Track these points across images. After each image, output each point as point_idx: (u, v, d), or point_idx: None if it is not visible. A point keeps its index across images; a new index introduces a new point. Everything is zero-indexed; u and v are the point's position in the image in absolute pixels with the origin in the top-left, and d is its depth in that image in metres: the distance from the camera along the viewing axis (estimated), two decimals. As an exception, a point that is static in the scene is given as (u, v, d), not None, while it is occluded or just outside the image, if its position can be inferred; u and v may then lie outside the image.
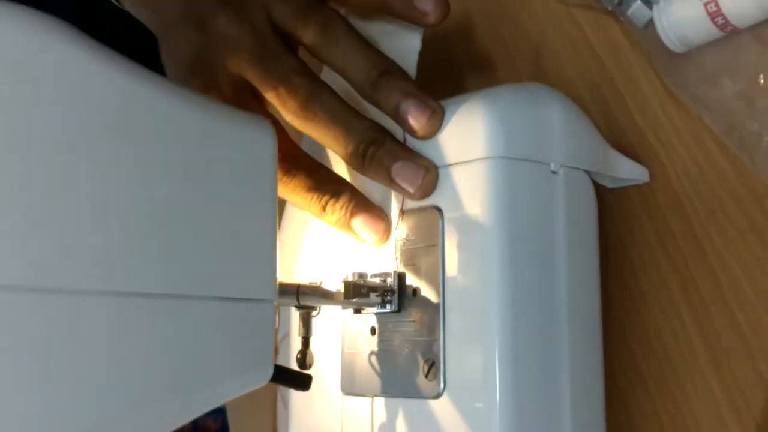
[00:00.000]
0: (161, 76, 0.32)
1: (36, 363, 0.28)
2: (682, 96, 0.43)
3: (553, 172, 0.41)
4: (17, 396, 0.28)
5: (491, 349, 0.38)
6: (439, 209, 0.41)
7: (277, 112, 0.43)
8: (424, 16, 0.42)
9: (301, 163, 0.44)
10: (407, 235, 0.43)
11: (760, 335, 0.41)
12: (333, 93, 0.43)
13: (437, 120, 0.41)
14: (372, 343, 0.44)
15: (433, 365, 0.40)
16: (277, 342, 0.44)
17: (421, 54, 0.45)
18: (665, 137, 0.45)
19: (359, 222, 0.43)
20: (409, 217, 0.43)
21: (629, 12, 0.45)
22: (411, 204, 0.42)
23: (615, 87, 0.47)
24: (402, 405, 0.42)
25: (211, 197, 0.33)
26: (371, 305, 0.42)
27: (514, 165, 0.39)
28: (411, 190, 0.41)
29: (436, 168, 0.41)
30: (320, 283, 0.42)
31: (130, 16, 0.48)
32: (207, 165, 0.33)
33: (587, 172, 0.42)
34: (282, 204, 0.44)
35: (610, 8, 0.47)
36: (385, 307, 0.43)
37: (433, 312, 0.41)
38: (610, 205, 0.46)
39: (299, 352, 0.42)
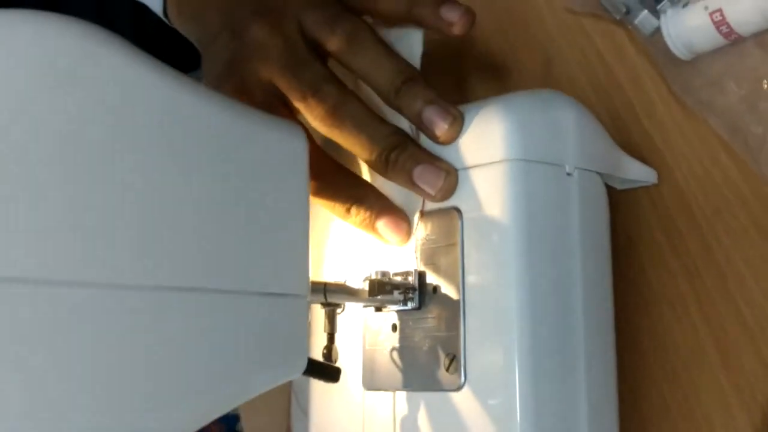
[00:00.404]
0: (203, 85, 0.34)
1: (81, 355, 0.30)
2: (688, 101, 0.45)
3: (568, 174, 0.42)
4: (62, 386, 0.29)
5: (511, 344, 0.40)
6: (458, 210, 0.43)
7: (304, 117, 0.45)
8: (450, 26, 0.44)
9: (327, 167, 0.46)
10: (427, 235, 0.44)
11: (765, 329, 0.43)
12: (359, 100, 0.44)
13: (458, 126, 0.43)
14: (393, 339, 0.46)
15: (454, 359, 0.42)
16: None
17: (426, 56, 0.46)
18: (672, 140, 0.47)
19: (383, 224, 0.45)
20: (429, 218, 0.44)
21: (637, 21, 0.48)
22: (431, 205, 0.44)
23: (623, 93, 0.49)
24: (423, 398, 0.43)
25: (248, 198, 0.35)
26: (394, 302, 0.44)
27: (531, 167, 0.41)
28: (432, 193, 0.43)
29: (456, 171, 0.43)
30: (345, 282, 0.44)
31: (174, 32, 0.50)
32: (244, 167, 0.35)
33: (599, 173, 0.44)
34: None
35: (618, 17, 0.49)
36: (406, 304, 0.44)
37: (453, 308, 0.43)
38: (620, 206, 0.48)
39: (325, 348, 0.43)
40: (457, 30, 0.44)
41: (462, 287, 0.42)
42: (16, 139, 0.28)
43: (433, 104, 0.42)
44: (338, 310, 0.44)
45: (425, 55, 0.47)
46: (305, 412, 0.65)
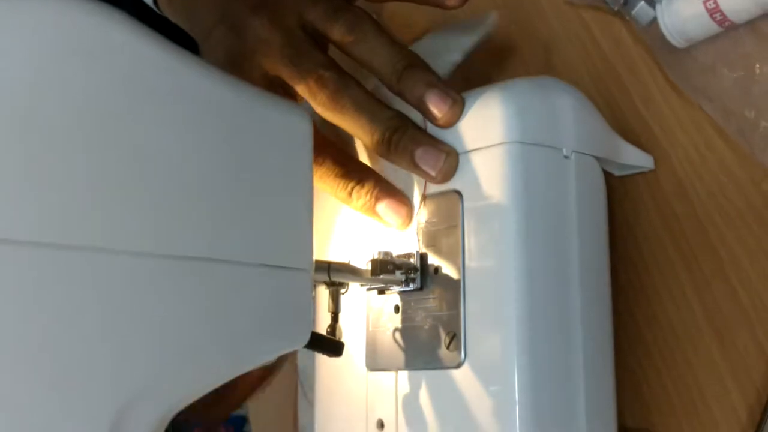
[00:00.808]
0: (211, 64, 0.35)
1: (92, 317, 0.31)
2: (684, 87, 0.47)
3: (566, 157, 0.44)
4: (70, 350, 0.31)
5: (509, 322, 0.41)
6: (459, 193, 0.44)
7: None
8: (445, 0, 0.46)
9: (328, 153, 0.47)
10: (429, 218, 0.46)
11: (758, 308, 0.44)
12: (359, 85, 0.46)
13: (458, 109, 0.44)
14: (396, 320, 0.47)
15: (454, 337, 0.43)
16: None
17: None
18: (668, 126, 0.48)
19: (383, 206, 0.46)
20: (430, 201, 0.46)
21: (633, 11, 0.49)
22: (432, 188, 0.45)
23: (620, 81, 0.51)
24: (425, 376, 0.45)
25: (254, 173, 0.36)
26: (396, 283, 0.45)
27: (529, 150, 0.42)
28: (433, 174, 0.44)
29: (456, 153, 0.44)
30: (349, 262, 0.45)
31: (171, 24, 0.51)
32: (250, 143, 0.36)
33: (597, 158, 0.45)
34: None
35: (615, 8, 0.50)
36: (408, 285, 0.45)
37: (454, 288, 0.44)
38: (618, 191, 0.49)
39: (329, 326, 0.44)
40: (451, 3, 0.46)
41: (462, 267, 0.43)
42: (33, 108, 0.30)
43: (434, 87, 0.44)
44: (342, 291, 0.45)
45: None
46: (311, 402, 0.66)
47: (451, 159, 0.44)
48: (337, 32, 0.46)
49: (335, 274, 0.43)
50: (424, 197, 0.46)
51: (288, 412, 0.73)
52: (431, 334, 0.45)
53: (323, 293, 0.46)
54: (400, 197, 0.46)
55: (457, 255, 0.44)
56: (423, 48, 0.47)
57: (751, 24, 0.44)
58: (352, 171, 0.47)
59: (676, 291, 0.47)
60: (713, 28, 0.45)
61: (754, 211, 0.44)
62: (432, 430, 0.43)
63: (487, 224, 0.43)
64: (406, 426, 0.45)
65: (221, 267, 0.34)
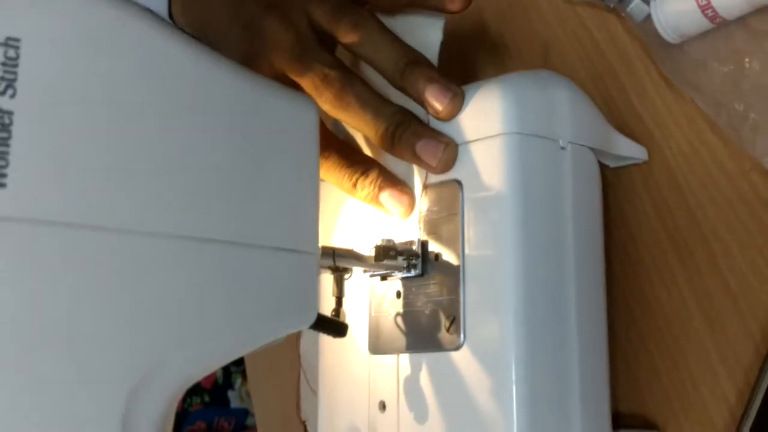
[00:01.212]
0: (224, 57, 0.37)
1: (104, 295, 0.33)
2: (677, 81, 0.48)
3: (562, 148, 0.45)
4: (99, 323, 0.32)
5: (507, 306, 0.42)
6: (459, 182, 0.46)
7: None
8: (450, 3, 0.47)
9: (333, 145, 0.49)
10: (430, 206, 0.47)
11: (748, 296, 0.45)
12: (364, 83, 0.47)
13: (458, 102, 0.45)
14: (397, 305, 0.48)
15: (454, 320, 0.45)
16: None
17: (443, 45, 0.49)
18: (661, 120, 0.50)
19: (386, 196, 0.48)
20: (431, 190, 0.47)
21: (629, 8, 0.50)
22: (433, 178, 0.47)
23: (616, 76, 0.52)
24: (425, 358, 0.46)
25: (263, 160, 0.38)
26: (398, 269, 0.47)
27: (526, 140, 0.44)
28: (433, 164, 0.46)
29: (455, 143, 0.45)
30: (353, 249, 0.47)
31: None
32: (260, 130, 0.38)
33: (592, 149, 0.47)
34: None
35: (611, 5, 0.52)
36: (410, 271, 0.47)
37: (454, 273, 0.45)
38: (613, 182, 0.51)
39: (333, 310, 0.46)
40: (456, 6, 0.48)
41: (462, 254, 0.45)
42: (58, 96, 0.31)
43: (435, 82, 0.45)
44: (346, 276, 0.47)
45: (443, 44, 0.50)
46: (314, 391, 0.68)
47: (450, 150, 0.45)
48: (341, 32, 0.48)
49: (340, 260, 0.45)
50: (426, 187, 0.47)
51: (291, 400, 0.74)
52: (432, 318, 0.46)
53: (328, 279, 0.48)
54: (402, 187, 0.48)
55: (456, 242, 0.45)
56: (399, 29, 0.49)
57: (742, 20, 0.45)
58: (356, 163, 0.49)
59: (668, 278, 0.48)
60: (705, 24, 0.46)
61: (744, 200, 0.46)
62: (432, 410, 0.45)
63: (485, 212, 0.44)
64: (407, 406, 0.46)
65: (232, 249, 0.36)
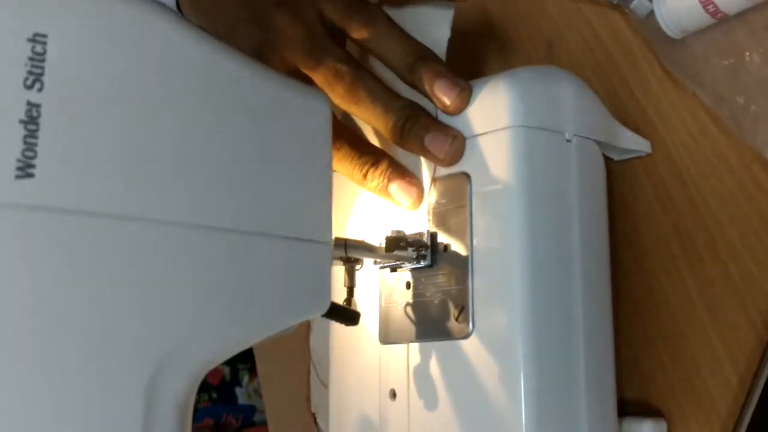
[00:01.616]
0: (239, 52, 0.38)
1: (131, 283, 0.34)
2: (679, 75, 0.49)
3: (567, 141, 0.46)
4: (120, 310, 0.34)
5: (515, 295, 0.43)
6: (467, 175, 0.47)
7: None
8: None
9: (344, 137, 0.50)
10: (438, 198, 0.48)
11: (749, 284, 0.46)
12: (374, 77, 0.49)
13: (466, 96, 0.47)
14: (407, 296, 0.49)
15: (462, 309, 0.46)
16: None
17: (450, 42, 0.51)
18: (664, 113, 0.51)
19: (395, 187, 0.49)
20: (440, 183, 0.48)
21: (632, 5, 0.51)
22: (442, 171, 0.48)
23: (619, 71, 0.53)
24: (435, 348, 0.47)
25: (277, 152, 0.39)
26: (407, 259, 0.48)
27: (532, 133, 0.45)
28: (441, 157, 0.47)
29: (463, 137, 0.47)
30: (364, 240, 0.48)
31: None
32: (275, 124, 0.39)
33: (597, 142, 0.48)
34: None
35: (615, 2, 0.53)
36: (419, 262, 0.48)
37: (463, 264, 0.46)
38: (617, 175, 0.52)
39: (345, 300, 0.47)
40: None
41: (470, 245, 0.46)
42: (79, 90, 0.33)
43: (443, 76, 0.47)
44: (357, 267, 0.48)
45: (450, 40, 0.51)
46: (324, 383, 0.69)
47: (457, 143, 0.46)
48: (352, 29, 0.49)
49: (351, 251, 0.46)
50: (434, 179, 0.49)
51: (301, 393, 0.76)
52: (441, 308, 0.47)
53: (340, 270, 0.49)
54: (412, 178, 0.49)
55: (465, 233, 0.46)
56: (407, 25, 0.50)
57: (742, 15, 0.46)
58: (366, 154, 0.50)
59: (671, 268, 0.49)
60: (707, 19, 0.47)
61: (745, 191, 0.47)
62: (441, 398, 0.46)
63: (493, 204, 0.45)
64: (417, 394, 0.48)
65: (248, 238, 0.37)
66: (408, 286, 0.49)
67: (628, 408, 0.50)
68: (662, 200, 0.50)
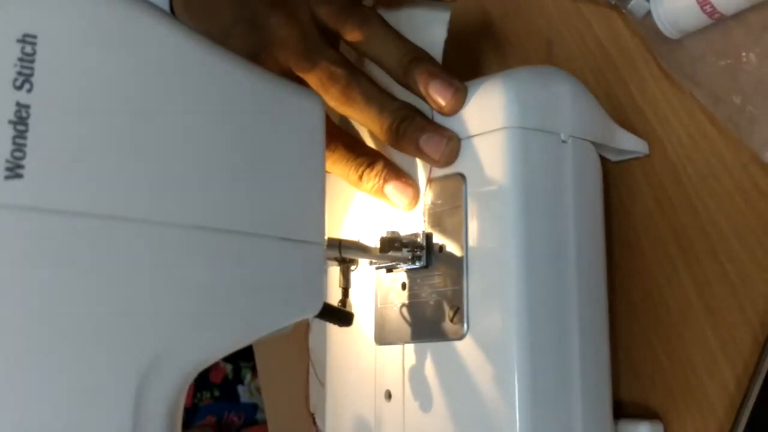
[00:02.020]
0: (232, 53, 0.38)
1: (123, 283, 0.34)
2: (677, 75, 0.49)
3: (563, 142, 0.46)
4: (112, 309, 0.34)
5: (509, 297, 0.43)
6: (462, 175, 0.47)
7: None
8: None
9: (339, 139, 0.50)
10: (434, 199, 0.48)
11: (747, 284, 0.46)
12: (369, 79, 0.48)
13: (461, 96, 0.46)
14: (402, 297, 0.49)
15: (457, 311, 0.46)
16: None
17: (446, 42, 0.50)
18: (662, 113, 0.51)
19: (391, 188, 0.49)
20: (436, 183, 0.48)
21: (630, 5, 0.51)
22: (438, 172, 0.48)
23: (617, 71, 0.53)
24: (430, 348, 0.47)
25: (271, 153, 0.39)
26: (403, 260, 0.48)
27: (528, 134, 0.45)
28: (436, 158, 0.47)
29: (458, 138, 0.46)
30: (359, 241, 0.48)
31: None
32: (269, 125, 0.39)
33: (593, 143, 0.48)
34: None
35: (613, 2, 0.53)
36: (414, 263, 0.48)
37: (458, 265, 0.46)
38: (614, 176, 0.52)
39: (340, 301, 0.47)
40: None
41: (465, 246, 0.46)
42: (73, 91, 0.33)
43: (437, 77, 0.46)
44: (352, 267, 0.48)
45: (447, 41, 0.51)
46: (322, 383, 0.69)
47: (452, 143, 0.46)
48: (347, 30, 0.49)
49: (346, 251, 0.46)
50: (430, 180, 0.48)
51: (300, 393, 0.76)
52: (436, 309, 0.47)
53: (335, 272, 0.49)
54: (407, 179, 0.49)
55: (460, 234, 0.46)
56: (404, 26, 0.50)
57: (739, 15, 0.46)
58: (362, 155, 0.50)
59: (668, 268, 0.49)
60: (704, 19, 0.47)
61: (742, 191, 0.47)
62: (436, 398, 0.46)
63: (488, 205, 0.45)
64: (412, 395, 0.47)
65: (241, 239, 0.37)
66: (403, 286, 0.49)
67: (624, 410, 0.50)
68: (659, 201, 0.50)
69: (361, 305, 0.51)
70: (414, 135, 0.47)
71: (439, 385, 0.46)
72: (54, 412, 0.33)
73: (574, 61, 0.56)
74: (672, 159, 0.50)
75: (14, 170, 0.31)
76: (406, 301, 0.49)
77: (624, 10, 0.52)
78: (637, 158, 0.52)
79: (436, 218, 0.48)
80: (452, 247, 0.47)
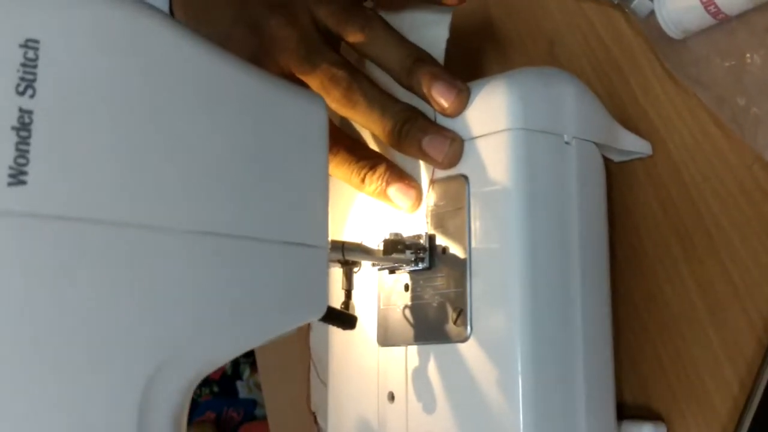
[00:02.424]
0: (234, 55, 0.38)
1: (128, 289, 0.34)
2: (680, 76, 0.49)
3: (566, 143, 0.46)
4: (117, 315, 0.33)
5: (513, 299, 0.43)
6: (465, 177, 0.46)
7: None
8: None
9: (342, 142, 0.50)
10: (437, 201, 0.48)
11: (749, 285, 0.46)
12: (370, 81, 0.48)
13: (464, 98, 0.46)
14: (405, 298, 0.49)
15: (461, 313, 0.46)
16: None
17: (449, 42, 0.50)
18: (665, 114, 0.50)
19: (394, 190, 0.49)
20: (438, 185, 0.48)
21: (633, 4, 0.51)
22: (440, 174, 0.48)
23: (620, 71, 0.53)
24: (433, 350, 0.47)
25: (274, 156, 0.39)
26: (406, 262, 0.48)
27: (531, 136, 0.45)
28: (439, 159, 0.46)
29: (461, 139, 0.46)
30: (361, 243, 0.47)
31: None
32: (272, 128, 0.38)
33: (597, 144, 0.48)
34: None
35: (616, 1, 0.53)
36: (417, 264, 0.48)
37: (461, 267, 0.46)
38: (618, 176, 0.52)
39: (343, 303, 0.47)
40: (450, 0, 0.48)
41: (469, 247, 0.46)
42: (75, 95, 0.32)
43: (440, 79, 0.46)
44: (355, 269, 0.48)
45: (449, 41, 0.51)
46: (324, 383, 0.69)
47: (455, 145, 0.46)
48: (348, 32, 0.49)
49: (349, 253, 0.46)
50: (432, 182, 0.48)
51: (301, 392, 0.76)
52: (439, 311, 0.47)
53: (338, 273, 0.48)
54: (410, 181, 0.49)
55: (463, 236, 0.46)
56: (405, 26, 0.50)
57: (743, 16, 0.46)
58: (364, 158, 0.50)
59: (671, 270, 0.49)
60: (708, 20, 0.47)
61: (746, 193, 0.47)
62: (440, 400, 0.46)
63: (491, 206, 0.45)
64: (415, 397, 0.47)
65: (244, 243, 0.37)
66: (406, 288, 0.49)
67: (627, 411, 0.50)
68: (663, 202, 0.50)
69: (363, 306, 0.51)
70: (417, 137, 0.47)
71: (443, 388, 0.46)
72: (59, 418, 0.32)
73: (576, 61, 0.56)
74: (675, 160, 0.50)
75: (17, 177, 0.31)
76: (409, 303, 0.49)
77: (627, 10, 0.52)
78: (640, 159, 0.51)
79: (439, 220, 0.48)
80: (455, 249, 0.47)
